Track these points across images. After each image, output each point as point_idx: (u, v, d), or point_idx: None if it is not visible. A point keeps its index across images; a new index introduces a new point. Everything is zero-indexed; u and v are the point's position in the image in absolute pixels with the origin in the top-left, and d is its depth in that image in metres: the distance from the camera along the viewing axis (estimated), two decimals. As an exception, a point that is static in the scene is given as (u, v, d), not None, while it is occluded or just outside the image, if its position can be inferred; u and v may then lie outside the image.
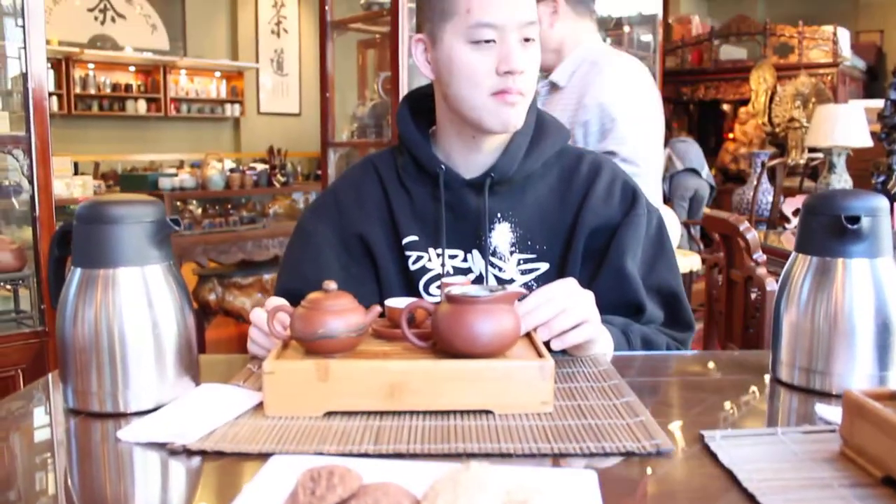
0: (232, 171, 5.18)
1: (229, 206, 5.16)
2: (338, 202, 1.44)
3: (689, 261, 4.88)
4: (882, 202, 1.06)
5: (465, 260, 1.37)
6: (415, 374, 0.94)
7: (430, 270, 1.36)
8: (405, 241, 1.37)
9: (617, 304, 1.31)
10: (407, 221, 1.38)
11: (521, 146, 1.37)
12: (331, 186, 1.50)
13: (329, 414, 0.94)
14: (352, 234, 1.39)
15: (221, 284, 4.89)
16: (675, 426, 0.94)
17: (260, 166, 5.58)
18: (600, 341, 1.19)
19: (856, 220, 1.03)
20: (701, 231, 6.88)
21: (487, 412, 0.94)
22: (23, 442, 0.93)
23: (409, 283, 1.35)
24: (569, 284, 1.12)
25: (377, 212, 1.40)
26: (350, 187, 1.45)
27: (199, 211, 5.01)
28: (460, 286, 1.04)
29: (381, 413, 0.94)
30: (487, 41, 1.24)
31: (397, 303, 1.16)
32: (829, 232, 1.06)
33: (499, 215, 1.37)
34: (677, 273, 1.40)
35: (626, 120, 2.13)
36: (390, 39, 3.26)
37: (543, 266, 1.36)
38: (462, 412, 0.94)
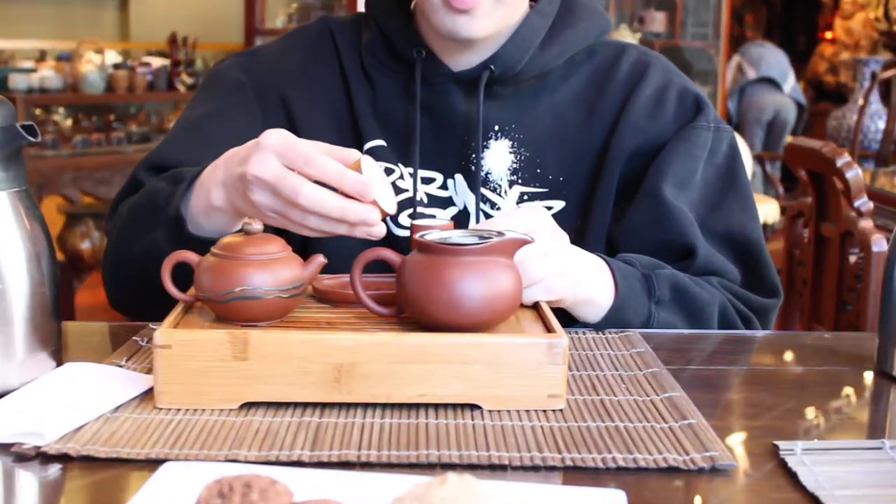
0: (117, 67, 5.13)
1: (112, 118, 5.12)
2: (277, 70, 1.43)
3: (763, 209, 4.92)
4: None
5: (444, 187, 1.38)
6: (371, 353, 0.93)
7: (401, 191, 1.36)
8: (367, 146, 1.37)
9: (655, 245, 1.31)
10: (369, 121, 1.38)
11: (538, 32, 1.36)
12: (270, 46, 1.48)
13: (248, 406, 0.94)
14: (286, 123, 1.38)
15: (99, 228, 4.86)
16: (738, 434, 0.95)
17: (157, 62, 5.52)
18: (585, 297, 1.19)
19: None
20: (782, 169, 6.90)
21: (473, 408, 0.95)
22: None
23: None
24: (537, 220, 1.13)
25: (329, 99, 1.40)
26: (297, 54, 1.44)
27: (69, 122, 4.97)
28: (438, 229, 1.03)
29: (322, 406, 0.94)
30: None
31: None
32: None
33: (496, 128, 1.37)
34: (755, 216, 1.40)
35: None
36: None
37: (557, 204, 1.36)
38: (438, 407, 0.95)
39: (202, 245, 1.08)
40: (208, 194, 1.12)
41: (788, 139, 7.70)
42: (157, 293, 1.04)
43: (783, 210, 5.22)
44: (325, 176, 1.00)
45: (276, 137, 1.02)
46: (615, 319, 1.22)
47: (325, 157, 1.01)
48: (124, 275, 1.31)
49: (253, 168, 1.01)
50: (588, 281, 1.18)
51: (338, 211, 0.99)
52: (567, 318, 1.21)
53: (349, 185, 0.99)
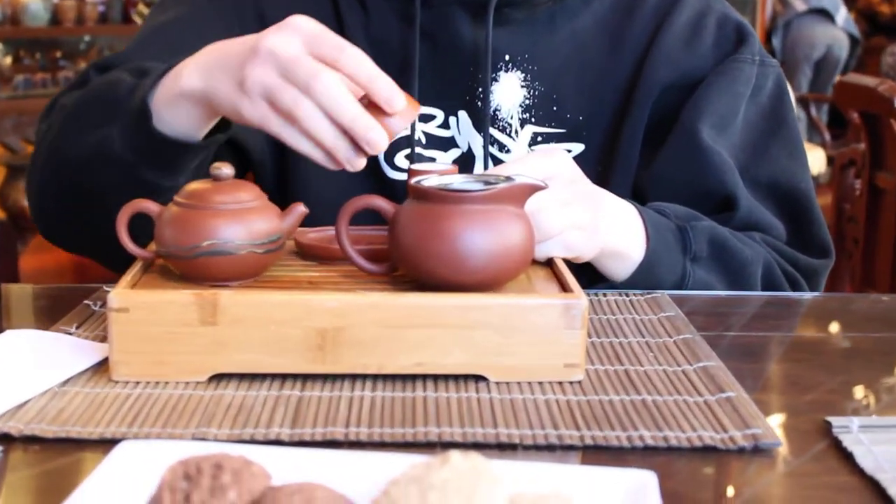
0: (63, -5, 5.09)
1: (58, 55, 5.10)
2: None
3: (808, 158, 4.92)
4: None
5: (445, 125, 1.37)
6: (360, 316, 0.93)
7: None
8: None
9: (690, 195, 1.31)
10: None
11: None
12: None
13: (218, 378, 0.94)
14: None
15: (46, 182, 4.85)
16: (784, 409, 0.95)
17: (110, -10, 5.49)
18: (612, 249, 1.18)
19: None
20: (830, 112, 6.89)
21: (478, 379, 0.95)
22: None
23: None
24: (558, 163, 1.11)
25: None
26: None
27: (8, 60, 4.95)
28: (437, 175, 1.02)
29: (304, 378, 0.94)
30: None
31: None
32: None
33: (507, 58, 1.37)
34: (804, 164, 1.40)
35: None
36: None
37: (576, 147, 1.36)
38: (437, 378, 0.95)
39: (165, 150, 1.08)
40: (178, 78, 1.08)
41: (838, 78, 7.69)
42: (100, 209, 1.01)
43: (830, 160, 5.21)
44: (357, 70, 0.98)
45: (308, 21, 1.00)
46: (645, 277, 1.21)
47: (361, 52, 0.99)
48: (60, 182, 1.25)
49: (272, 41, 0.97)
50: (615, 228, 1.17)
51: (349, 115, 0.96)
52: (586, 279, 1.20)
53: (380, 88, 0.97)
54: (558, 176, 1.10)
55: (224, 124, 1.14)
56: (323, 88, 0.95)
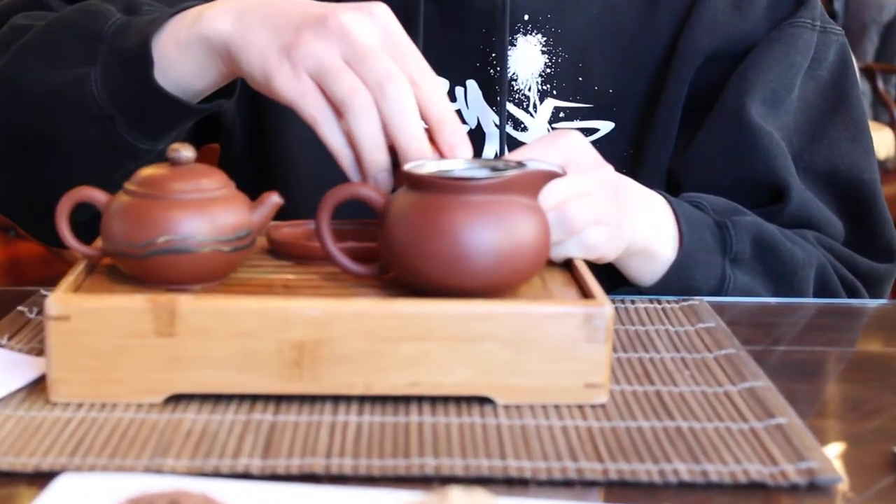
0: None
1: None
2: None
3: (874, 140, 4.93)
4: None
5: (450, 96, 1.38)
6: (344, 327, 0.93)
7: None
8: None
9: (734, 182, 1.32)
10: None
11: None
12: None
13: (176, 400, 0.94)
14: None
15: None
16: (845, 438, 0.95)
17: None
18: (639, 248, 1.18)
19: None
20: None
21: (484, 402, 0.95)
22: None
23: None
24: (575, 145, 1.11)
25: None
26: None
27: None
28: (435, 160, 1.02)
29: (278, 399, 0.94)
30: None
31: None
32: None
33: (525, 18, 1.37)
34: (869, 151, 1.40)
35: None
36: None
37: (604, 126, 1.37)
38: (435, 401, 0.95)
39: (156, 106, 1.09)
40: (199, 20, 1.07)
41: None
42: (52, 164, 1.01)
43: (900, 141, 5.21)
44: (434, 101, 0.99)
45: (393, 18, 1.01)
46: (676, 281, 1.21)
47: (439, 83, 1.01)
48: (4, 121, 1.21)
49: (348, 19, 0.98)
50: (642, 223, 1.17)
51: (411, 134, 0.97)
52: (610, 281, 1.20)
53: (450, 131, 0.99)
54: (576, 161, 1.09)
55: (228, 90, 1.14)
56: (396, 94, 0.96)
